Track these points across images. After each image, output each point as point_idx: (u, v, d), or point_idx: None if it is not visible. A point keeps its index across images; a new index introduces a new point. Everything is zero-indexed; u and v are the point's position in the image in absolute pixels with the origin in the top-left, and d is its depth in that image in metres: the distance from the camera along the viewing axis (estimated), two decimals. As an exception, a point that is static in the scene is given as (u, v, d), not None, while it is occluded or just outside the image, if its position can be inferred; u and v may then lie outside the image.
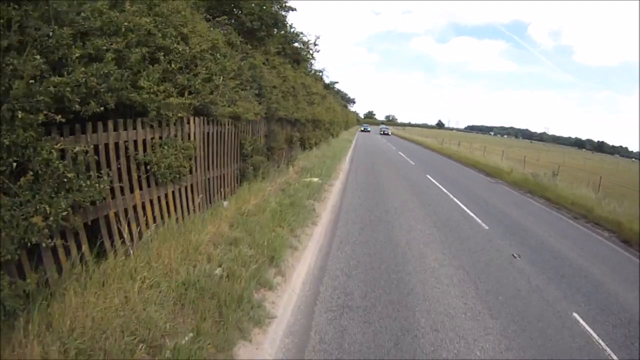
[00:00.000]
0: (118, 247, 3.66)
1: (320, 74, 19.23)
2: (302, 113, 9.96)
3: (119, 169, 3.73)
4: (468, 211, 8.27)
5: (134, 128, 3.92)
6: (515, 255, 5.85)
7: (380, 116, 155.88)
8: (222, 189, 5.67)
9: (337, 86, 44.90)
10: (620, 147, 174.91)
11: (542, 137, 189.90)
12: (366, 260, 4.73)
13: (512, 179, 14.65)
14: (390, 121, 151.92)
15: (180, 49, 4.50)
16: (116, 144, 3.71)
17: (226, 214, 4.96)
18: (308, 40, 11.16)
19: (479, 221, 7.54)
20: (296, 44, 11.05)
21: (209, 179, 5.26)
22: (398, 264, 4.77)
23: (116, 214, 3.74)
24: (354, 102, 76.02)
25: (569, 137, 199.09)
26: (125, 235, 3.79)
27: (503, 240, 6.58)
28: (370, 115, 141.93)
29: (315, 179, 8.53)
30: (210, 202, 5.27)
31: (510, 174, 15.40)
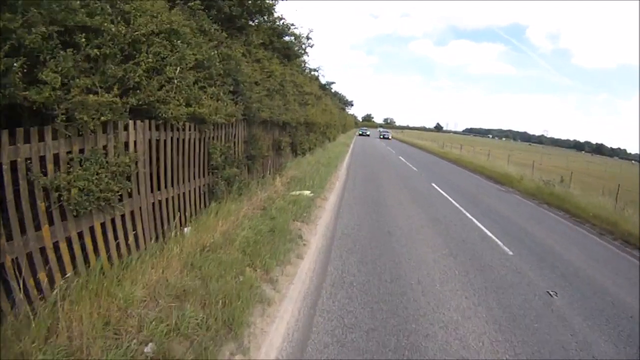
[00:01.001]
0: (20, 308, 2.50)
1: (316, 73, 17.95)
2: (292, 115, 8.73)
3: (16, 198, 2.57)
4: (485, 230, 7.06)
5: (42, 139, 2.75)
6: (551, 293, 4.67)
7: (378, 119, 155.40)
8: (180, 213, 4.43)
9: (334, 88, 43.57)
10: (619, 149, 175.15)
11: (541, 140, 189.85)
12: (366, 315, 3.49)
13: (523, 187, 13.47)
14: (389, 124, 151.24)
15: (114, 30, 3.29)
16: (13, 163, 2.55)
17: (178, 250, 3.72)
18: (300, 34, 9.95)
19: (500, 244, 6.32)
20: (287, 38, 9.85)
21: (159, 201, 4.03)
22: (409, 319, 3.53)
23: (15, 262, 2.57)
24: (352, 105, 74.27)
25: (567, 140, 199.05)
26: (30, 289, 2.66)
27: (532, 270, 5.38)
28: (368, 118, 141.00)
29: (306, 192, 7.30)
30: (162, 233, 4.03)
31: (520, 182, 14.23)
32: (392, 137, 54.57)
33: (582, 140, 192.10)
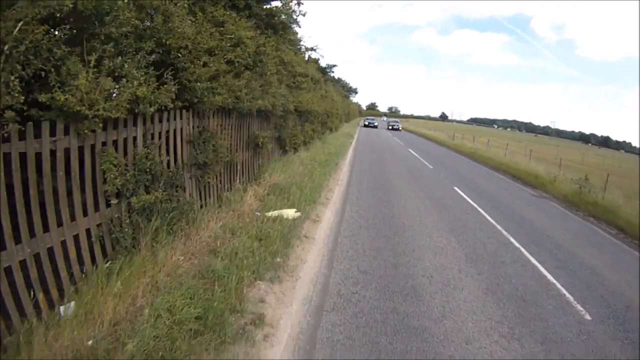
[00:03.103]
0: None
1: (314, 52, 15.30)
2: (274, 100, 6.49)
3: None
4: (546, 273, 4.86)
5: None
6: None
7: (382, 107, 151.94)
8: (49, 282, 2.37)
9: (337, 74, 40.36)
10: (624, 142, 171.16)
11: (546, 131, 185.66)
12: None
13: (558, 191, 11.33)
14: (393, 113, 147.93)
15: None
16: None
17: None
18: (288, -4, 7.56)
19: (571, 299, 4.27)
20: (272, 4, 7.55)
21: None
22: None
23: None
24: (356, 92, 70.26)
25: (573, 132, 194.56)
26: None
27: (623, 351, 3.43)
28: (372, 107, 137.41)
29: (289, 212, 5.20)
30: (6, 327, 1.99)
31: (553, 184, 12.09)
32: (402, 128, 44.02)
33: (587, 131, 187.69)
